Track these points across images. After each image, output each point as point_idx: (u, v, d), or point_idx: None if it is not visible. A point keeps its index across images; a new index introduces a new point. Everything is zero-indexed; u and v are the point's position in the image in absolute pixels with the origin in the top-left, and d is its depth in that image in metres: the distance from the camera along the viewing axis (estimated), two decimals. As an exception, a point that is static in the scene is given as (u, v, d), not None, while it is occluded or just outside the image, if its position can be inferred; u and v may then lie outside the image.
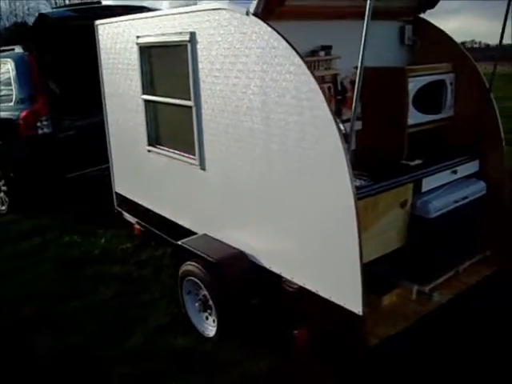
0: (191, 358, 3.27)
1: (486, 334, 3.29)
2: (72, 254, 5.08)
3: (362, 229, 2.84)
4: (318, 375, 2.95)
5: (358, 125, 3.64)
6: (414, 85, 3.36)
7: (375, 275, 3.31)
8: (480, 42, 44.82)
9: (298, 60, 2.67)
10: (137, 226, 4.94)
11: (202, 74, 3.42)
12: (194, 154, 3.65)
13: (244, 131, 3.17)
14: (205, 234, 3.75)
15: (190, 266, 3.50)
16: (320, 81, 3.34)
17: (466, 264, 3.57)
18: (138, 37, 4.03)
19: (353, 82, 3.54)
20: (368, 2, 2.43)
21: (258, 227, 3.30)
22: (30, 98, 6.14)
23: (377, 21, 3.59)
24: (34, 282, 4.41)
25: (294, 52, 2.68)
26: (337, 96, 3.45)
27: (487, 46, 41.19)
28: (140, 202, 4.72)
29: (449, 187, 3.42)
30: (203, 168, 3.62)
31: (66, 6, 6.25)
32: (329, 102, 3.23)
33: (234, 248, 3.44)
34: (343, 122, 3.52)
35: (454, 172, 3.44)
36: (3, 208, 6.67)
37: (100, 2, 6.47)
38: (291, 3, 3.04)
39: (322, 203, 2.75)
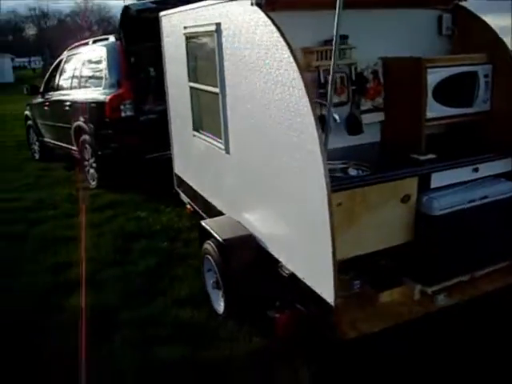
0: (194, 331, 3.48)
1: (478, 343, 3.09)
2: (133, 228, 5.54)
3: (347, 219, 2.85)
4: (287, 361, 3.00)
5: (381, 116, 3.57)
6: (434, 76, 3.20)
7: (378, 270, 3.27)
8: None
9: (285, 49, 2.70)
10: (188, 206, 5.25)
11: (226, 63, 3.57)
12: (221, 139, 3.83)
13: (252, 118, 3.28)
14: (228, 216, 3.93)
15: (207, 244, 3.70)
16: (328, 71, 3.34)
17: (487, 270, 3.33)
18: (184, 27, 4.29)
19: (374, 72, 3.48)
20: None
21: (262, 212, 3.41)
22: (117, 83, 6.73)
23: (412, 9, 3.51)
24: (89, 250, 4.90)
25: (282, 41, 2.72)
26: (351, 86, 3.39)
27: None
28: (189, 183, 5.02)
29: (468, 186, 3.22)
30: (228, 152, 3.79)
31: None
32: (341, 91, 3.26)
33: (246, 230, 3.57)
34: (361, 112, 3.49)
35: (475, 170, 3.23)
36: (93, 183, 7.41)
37: (180, -6, 6.83)
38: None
39: (303, 193, 2.79)
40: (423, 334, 3.14)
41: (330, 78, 2.58)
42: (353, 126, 3.41)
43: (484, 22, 3.49)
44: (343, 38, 3.31)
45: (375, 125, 3.59)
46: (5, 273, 4.57)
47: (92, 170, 7.40)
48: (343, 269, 3.23)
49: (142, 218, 5.85)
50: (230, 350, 3.20)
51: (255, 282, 3.37)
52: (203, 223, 3.83)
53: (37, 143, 9.66)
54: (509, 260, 3.43)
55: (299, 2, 3.15)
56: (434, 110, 3.26)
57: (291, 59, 2.67)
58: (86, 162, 7.50)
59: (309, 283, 2.91)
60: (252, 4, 3.00)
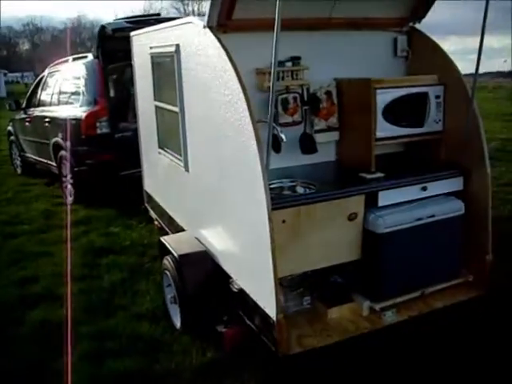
0: (150, 344, 3.51)
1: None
2: (103, 243, 5.57)
3: (292, 236, 2.91)
4: (235, 374, 3.04)
5: (336, 135, 3.65)
6: (383, 97, 3.29)
7: (330, 286, 3.32)
8: None
9: (232, 71, 2.79)
10: (156, 222, 5.30)
11: (184, 83, 3.66)
12: (181, 156, 3.90)
13: (207, 137, 3.36)
14: (187, 232, 3.99)
15: (166, 260, 3.75)
16: (285, 90, 3.43)
17: (438, 287, 3.39)
18: (150, 47, 4.38)
19: (328, 93, 3.57)
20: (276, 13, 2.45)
21: (216, 228, 3.47)
22: (94, 100, 6.81)
23: (368, 31, 3.62)
24: (56, 265, 4.93)
25: (229, 63, 2.80)
26: (303, 106, 3.48)
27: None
28: (156, 200, 5.08)
29: (416, 204, 3.29)
30: (187, 170, 3.85)
31: (126, 18, 6.71)
32: (293, 111, 3.34)
33: (202, 247, 3.62)
34: (316, 132, 3.57)
35: (424, 188, 3.30)
36: (70, 199, 7.44)
37: (159, 15, 6.99)
38: (238, 17, 3.15)
39: (248, 210, 2.85)
40: (365, 350, 3.18)
41: (269, 99, 2.65)
42: (306, 145, 3.48)
43: (435, 44, 3.59)
44: (295, 59, 3.41)
45: (331, 144, 3.66)
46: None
47: (69, 186, 7.43)
48: (294, 284, 3.30)
49: (114, 234, 5.89)
50: (182, 363, 3.23)
51: (208, 297, 3.42)
52: (162, 239, 3.88)
53: (19, 158, 9.69)
54: (460, 277, 3.49)
55: (250, 24, 3.24)
56: (384, 129, 3.33)
57: (236, 80, 2.75)
58: (64, 178, 7.53)
59: (254, 298, 2.96)
60: (204, 27, 3.10)
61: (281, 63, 3.36)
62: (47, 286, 4.49)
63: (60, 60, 8.38)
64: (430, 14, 3.65)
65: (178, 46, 3.64)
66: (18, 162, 9.78)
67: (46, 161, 8.21)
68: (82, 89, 7.07)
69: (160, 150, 4.56)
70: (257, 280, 2.90)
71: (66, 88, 7.65)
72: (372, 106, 3.26)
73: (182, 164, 3.88)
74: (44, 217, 6.78)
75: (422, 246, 3.27)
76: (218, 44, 2.93)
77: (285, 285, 3.26)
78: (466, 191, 3.45)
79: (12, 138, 9.78)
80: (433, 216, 3.27)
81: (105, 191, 6.98)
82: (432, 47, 3.60)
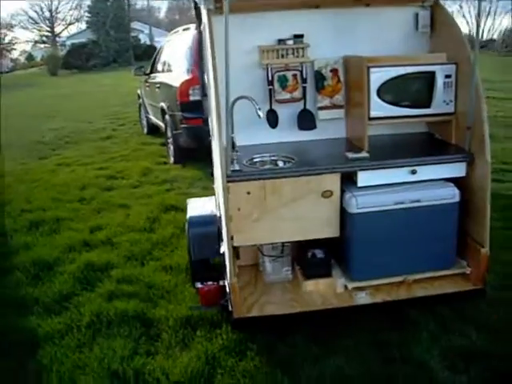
0: (159, 292, 3.96)
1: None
2: (175, 202, 6.13)
3: (259, 207, 3.09)
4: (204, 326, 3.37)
5: (340, 113, 3.65)
6: (378, 76, 3.21)
7: (310, 259, 3.44)
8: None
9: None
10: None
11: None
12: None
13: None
14: (214, 196, 4.31)
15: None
16: (284, 67, 3.52)
17: (425, 275, 3.29)
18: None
19: (333, 71, 3.57)
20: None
21: (218, 194, 3.74)
22: (189, 70, 7.37)
23: (389, 7, 3.55)
24: (128, 216, 5.67)
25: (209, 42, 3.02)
26: (303, 83, 3.52)
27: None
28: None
29: (403, 187, 3.20)
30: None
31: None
32: (293, 89, 3.46)
33: (214, 211, 3.93)
34: (319, 109, 3.62)
35: (413, 172, 3.19)
36: (172, 159, 8.21)
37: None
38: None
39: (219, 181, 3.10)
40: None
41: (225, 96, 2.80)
42: (303, 121, 3.55)
43: (452, 20, 3.36)
44: (298, 37, 3.46)
45: (336, 121, 3.66)
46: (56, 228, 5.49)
47: (171, 147, 8.19)
48: (276, 254, 3.47)
49: (190, 194, 6.43)
50: (172, 311, 3.63)
51: (207, 258, 3.74)
52: (187, 201, 4.26)
53: (145, 119, 10.82)
54: (455, 268, 3.34)
55: (250, 5, 3.36)
56: (380, 109, 3.27)
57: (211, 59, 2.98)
58: (168, 140, 8.32)
59: (226, 262, 3.22)
60: (204, 8, 3.32)
61: (281, 41, 3.45)
62: (108, 234, 5.18)
63: (176, 29, 9.11)
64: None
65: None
66: (144, 123, 10.91)
67: (159, 122, 9.10)
68: (182, 58, 7.67)
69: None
70: (225, 245, 3.15)
71: (173, 56, 8.36)
72: (364, 84, 3.21)
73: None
74: (142, 174, 7.61)
75: (405, 231, 3.19)
76: (210, 24, 3.15)
77: (265, 253, 3.45)
78: (467, 178, 3.25)
79: (140, 100, 10.92)
80: (418, 201, 3.15)
81: (197, 154, 7.57)
82: (449, 23, 3.37)
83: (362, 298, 3.22)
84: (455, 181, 3.26)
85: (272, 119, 3.52)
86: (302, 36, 3.46)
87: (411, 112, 3.34)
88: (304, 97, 3.55)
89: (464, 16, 35.71)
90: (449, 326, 3.34)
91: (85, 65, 32.68)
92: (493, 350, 3.11)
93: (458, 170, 3.25)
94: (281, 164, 3.30)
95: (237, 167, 3.09)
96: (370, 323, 3.36)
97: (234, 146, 3.30)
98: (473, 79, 3.08)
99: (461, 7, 34.82)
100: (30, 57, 45.58)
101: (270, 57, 3.45)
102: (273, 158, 3.36)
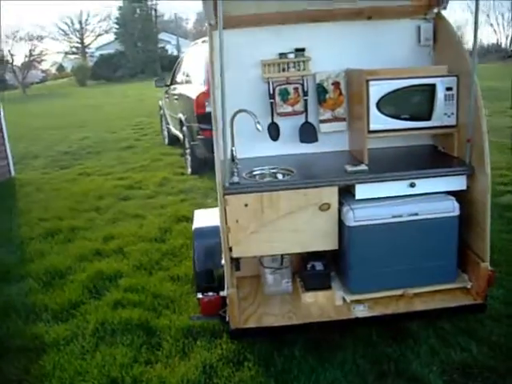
0: (163, 301, 4.03)
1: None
2: (188, 212, 6.19)
3: (256, 220, 3.12)
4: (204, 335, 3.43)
5: (343, 126, 3.67)
6: (377, 89, 3.22)
7: (310, 271, 3.45)
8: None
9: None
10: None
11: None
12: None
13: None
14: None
15: (194, 231, 4.19)
16: (285, 81, 3.56)
17: (426, 289, 3.27)
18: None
19: (335, 84, 3.60)
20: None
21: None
22: (205, 81, 7.48)
23: (391, 20, 3.58)
24: (141, 226, 5.76)
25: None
26: (304, 97, 3.55)
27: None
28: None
29: (401, 201, 3.19)
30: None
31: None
32: (294, 102, 3.51)
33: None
34: (321, 122, 3.65)
35: (412, 185, 3.18)
36: (189, 169, 8.32)
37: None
38: (231, 14, 3.34)
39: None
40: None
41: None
42: (304, 134, 3.58)
43: (453, 32, 3.35)
44: (299, 51, 3.51)
45: (338, 134, 3.67)
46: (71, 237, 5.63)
47: (189, 158, 8.31)
48: (276, 266, 3.49)
49: (205, 205, 6.51)
50: (174, 321, 3.69)
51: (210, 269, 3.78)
52: (194, 211, 4.32)
53: (166, 129, 10.99)
54: (456, 283, 3.31)
55: (249, 19, 3.42)
56: (379, 122, 3.27)
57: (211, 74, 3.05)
58: (186, 150, 8.44)
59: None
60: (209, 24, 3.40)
61: (283, 55, 3.50)
62: (120, 243, 5.28)
63: (196, 41, 9.27)
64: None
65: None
66: (165, 133, 11.08)
67: (178, 133, 9.23)
68: (199, 70, 7.79)
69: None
70: (224, 257, 3.19)
71: (191, 68, 8.50)
72: (364, 97, 3.23)
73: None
74: (159, 184, 7.75)
75: (404, 245, 3.17)
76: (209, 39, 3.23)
77: (265, 265, 3.48)
78: (467, 191, 3.22)
79: (161, 111, 11.12)
80: (416, 214, 3.14)
81: (213, 165, 7.65)
82: (450, 35, 3.36)
83: (360, 311, 3.21)
84: (457, 194, 3.24)
85: (273, 132, 3.56)
86: (303, 50, 3.50)
87: (411, 125, 3.32)
88: (305, 110, 3.58)
89: (491, 25, 35.25)
90: (450, 340, 3.32)
91: (112, 75, 33.37)
92: (493, 365, 3.08)
93: (458, 183, 3.22)
94: (280, 176, 3.34)
95: (236, 180, 3.14)
96: (369, 336, 3.37)
97: (233, 158, 3.36)
98: (471, 90, 3.06)
99: (488, 16, 34.41)
100: (60, 67, 46.83)
101: (272, 70, 3.50)
102: (272, 170, 3.40)
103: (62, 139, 12.81)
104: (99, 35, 46.28)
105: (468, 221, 3.23)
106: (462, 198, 3.24)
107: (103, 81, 35.76)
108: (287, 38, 3.53)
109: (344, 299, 3.28)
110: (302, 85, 3.54)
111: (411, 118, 3.33)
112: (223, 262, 3.40)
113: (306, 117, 3.61)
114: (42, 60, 41.65)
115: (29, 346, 3.55)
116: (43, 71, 44.65)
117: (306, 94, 3.55)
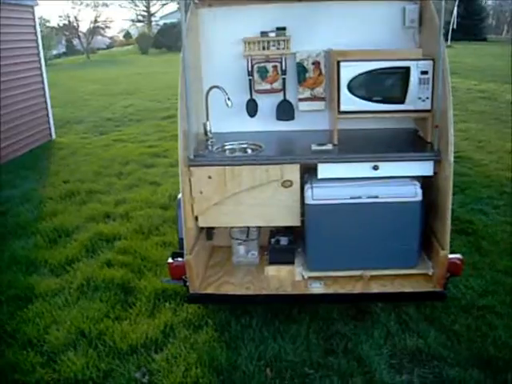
0: (149, 264, 4.25)
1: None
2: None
3: (220, 192, 3.25)
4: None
5: (322, 105, 3.70)
6: (348, 70, 3.21)
7: (276, 245, 3.56)
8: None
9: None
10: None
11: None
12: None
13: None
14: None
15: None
16: (264, 59, 3.61)
17: (384, 272, 3.30)
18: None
19: (315, 63, 3.61)
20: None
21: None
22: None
23: (376, 1, 3.56)
24: (152, 193, 6.01)
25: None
26: (282, 75, 3.59)
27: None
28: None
29: (362, 183, 3.20)
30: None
31: None
32: (273, 80, 3.58)
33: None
34: (300, 100, 3.69)
35: (375, 168, 3.18)
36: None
37: None
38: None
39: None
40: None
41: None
42: (281, 111, 3.63)
43: (434, 14, 3.26)
44: (280, 30, 3.54)
45: (317, 113, 3.69)
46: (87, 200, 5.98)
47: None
48: (244, 238, 3.62)
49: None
50: (151, 283, 3.91)
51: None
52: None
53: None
54: (418, 268, 3.31)
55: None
56: (350, 103, 3.27)
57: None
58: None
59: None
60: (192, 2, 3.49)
61: (264, 33, 3.54)
62: (128, 208, 5.56)
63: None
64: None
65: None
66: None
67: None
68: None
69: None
70: (184, 225, 3.34)
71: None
72: (334, 78, 3.24)
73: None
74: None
75: (363, 227, 3.21)
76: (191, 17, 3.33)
77: (233, 236, 3.61)
78: (434, 178, 3.20)
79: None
80: (376, 197, 3.16)
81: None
82: (431, 19, 3.28)
83: (316, 288, 3.29)
84: (427, 179, 3.22)
85: (251, 109, 3.64)
86: (284, 28, 3.53)
87: (384, 107, 3.30)
88: (284, 88, 3.63)
89: None
90: (410, 325, 3.34)
91: (174, 44, 33.74)
92: (445, 354, 3.08)
93: (425, 168, 3.20)
94: (249, 151, 3.43)
95: (204, 152, 3.27)
96: (329, 314, 3.44)
97: (206, 132, 3.48)
98: (439, 75, 3.01)
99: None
100: (127, 34, 47.86)
101: (253, 48, 3.55)
102: (242, 145, 3.49)
103: (108, 106, 13.28)
104: (165, 4, 46.80)
105: (432, 207, 3.22)
106: (430, 184, 3.22)
107: (165, 49, 36.28)
108: (270, 16, 3.56)
109: (302, 275, 3.37)
110: (281, 63, 3.58)
111: (384, 101, 3.31)
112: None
113: (284, 95, 3.65)
114: (106, 27, 42.81)
115: (20, 295, 3.87)
116: (110, 38, 45.92)
117: (284, 72, 3.58)
